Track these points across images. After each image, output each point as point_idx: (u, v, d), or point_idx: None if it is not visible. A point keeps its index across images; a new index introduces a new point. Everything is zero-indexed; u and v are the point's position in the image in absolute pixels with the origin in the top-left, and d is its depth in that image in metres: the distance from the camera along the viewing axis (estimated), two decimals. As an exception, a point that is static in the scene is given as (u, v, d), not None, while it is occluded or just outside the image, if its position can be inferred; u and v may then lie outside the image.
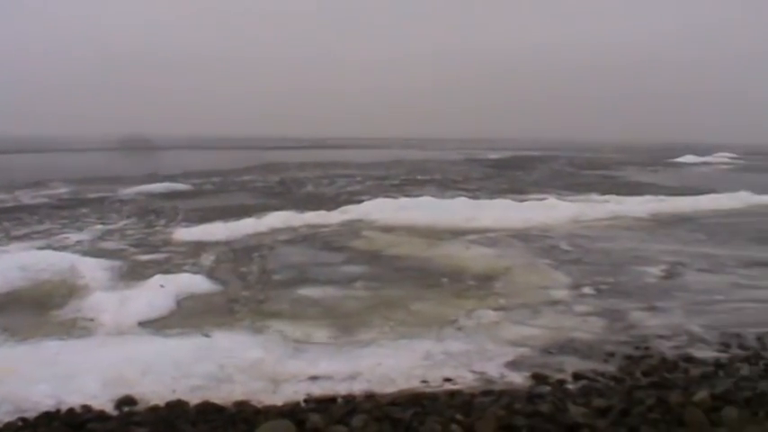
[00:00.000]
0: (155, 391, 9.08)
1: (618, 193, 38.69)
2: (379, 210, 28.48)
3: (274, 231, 24.12)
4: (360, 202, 31.27)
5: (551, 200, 32.70)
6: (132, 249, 20.51)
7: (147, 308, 13.29)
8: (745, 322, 13.03)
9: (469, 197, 34.35)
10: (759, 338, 11.97)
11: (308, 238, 23.21)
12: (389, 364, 10.23)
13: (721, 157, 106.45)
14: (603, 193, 39.88)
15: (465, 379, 9.82)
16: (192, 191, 40.32)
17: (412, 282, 16.29)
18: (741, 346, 11.56)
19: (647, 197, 36.23)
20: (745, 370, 10.32)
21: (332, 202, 32.60)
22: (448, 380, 9.74)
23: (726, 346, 11.57)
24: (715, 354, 11.17)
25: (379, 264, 18.61)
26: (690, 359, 10.80)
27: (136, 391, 9.02)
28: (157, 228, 25.04)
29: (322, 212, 27.95)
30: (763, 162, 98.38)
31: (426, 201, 31.46)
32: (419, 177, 54.51)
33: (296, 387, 9.41)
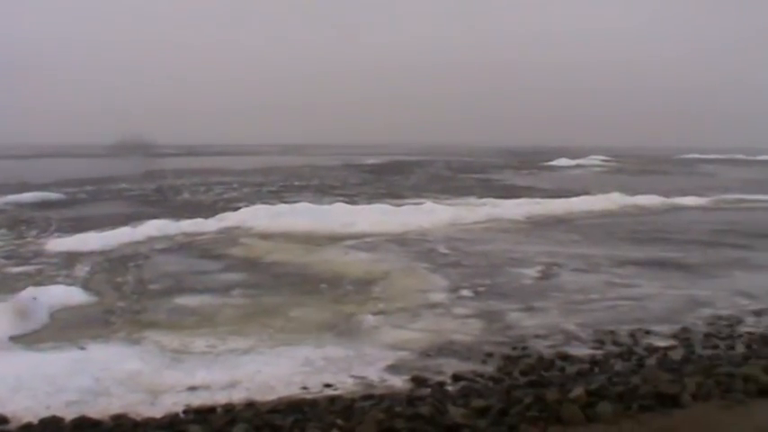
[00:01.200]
0: (28, 408, 8.66)
1: (494, 197, 39.93)
2: (257, 217, 28.44)
3: (150, 240, 23.70)
4: (237, 209, 31.04)
5: (429, 204, 33.34)
6: (2, 261, 19.68)
7: (18, 321, 12.72)
8: (619, 319, 13.72)
9: (347, 202, 34.66)
10: (632, 335, 12.60)
11: (185, 246, 22.98)
12: (269, 371, 10.23)
13: (594, 159, 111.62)
14: (480, 196, 41.07)
15: (345, 384, 9.89)
16: (65, 200, 39.01)
17: (291, 288, 16.31)
18: (615, 343, 12.13)
19: (523, 200, 37.54)
20: (618, 366, 10.85)
21: (209, 210, 32.25)
22: (328, 385, 9.78)
23: (600, 343, 12.11)
24: (590, 351, 11.67)
25: (257, 271, 18.60)
26: (566, 357, 11.24)
27: (7, 409, 8.56)
28: (29, 239, 24.12)
29: (199, 220, 27.68)
30: (635, 164, 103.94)
31: (304, 207, 31.46)
32: (296, 183, 54.50)
33: (175, 398, 9.26)
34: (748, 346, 11.87)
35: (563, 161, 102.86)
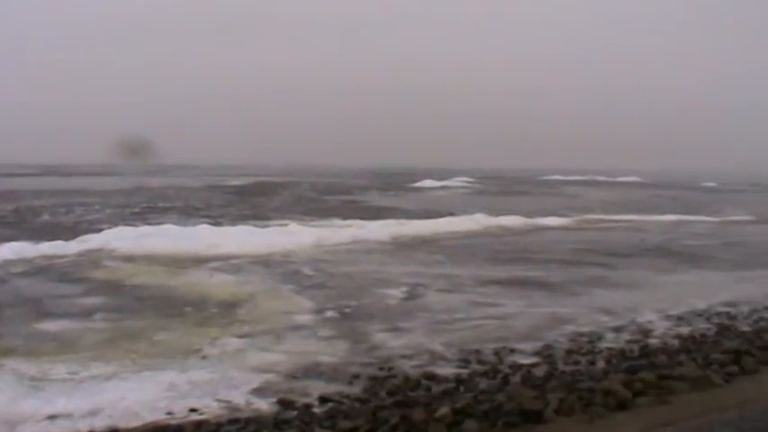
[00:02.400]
0: None
1: (360, 218, 40.29)
2: (120, 239, 27.66)
3: (6, 264, 22.58)
4: (99, 231, 30.01)
5: (293, 225, 33.46)
6: None
7: None
8: (484, 338, 14.17)
9: (212, 224, 34.30)
10: (496, 353, 13.03)
11: (44, 269, 22.12)
12: (133, 397, 10.11)
13: (459, 181, 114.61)
14: (345, 217, 41.35)
15: (211, 408, 9.84)
16: None
17: (154, 312, 16.04)
18: (480, 362, 12.51)
19: (388, 221, 38.12)
20: (483, 384, 11.20)
21: (70, 232, 31.02)
22: (193, 410, 9.71)
23: (466, 362, 12.46)
24: (456, 370, 11.99)
25: (120, 294, 18.25)
26: (432, 377, 11.49)
27: None
28: None
29: (59, 243, 26.57)
30: (498, 186, 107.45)
31: (168, 228, 30.82)
32: (161, 205, 53.10)
33: (33, 428, 9.03)
34: (608, 362, 12.52)
35: (428, 182, 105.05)
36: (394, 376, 11.48)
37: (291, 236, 29.90)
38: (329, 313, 16.27)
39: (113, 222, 35.59)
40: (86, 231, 30.58)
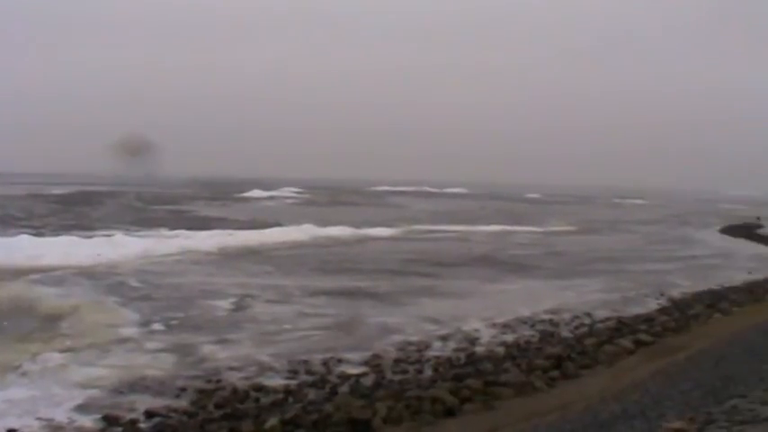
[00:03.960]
0: None
1: (187, 228, 39.53)
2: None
3: None
4: None
5: (119, 236, 32.51)
6: None
7: None
8: (312, 348, 14.38)
9: (33, 234, 32.61)
10: (325, 363, 13.27)
11: None
12: None
13: (287, 191, 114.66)
14: (173, 228, 40.44)
15: (31, 428, 9.51)
16: None
17: (-33, 328, 15.09)
18: (308, 372, 12.71)
19: (216, 231, 37.71)
20: (312, 394, 11.41)
21: None
22: (12, 430, 9.34)
23: (294, 373, 12.63)
24: (284, 381, 12.14)
25: None
26: (260, 388, 11.58)
27: None
28: None
29: None
30: (326, 196, 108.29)
31: (-14, 239, 28.97)
32: (-23, 215, 49.58)
33: None
34: (435, 370, 13.07)
35: (256, 192, 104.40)
36: (222, 388, 11.48)
37: (117, 247, 29.05)
38: (156, 326, 15.99)
39: None
40: None
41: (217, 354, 13.75)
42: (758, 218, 66.17)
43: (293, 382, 12.06)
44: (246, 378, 12.19)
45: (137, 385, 11.55)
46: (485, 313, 18.42)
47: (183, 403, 10.68)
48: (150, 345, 14.27)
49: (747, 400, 4.50)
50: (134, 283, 21.63)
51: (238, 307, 18.60)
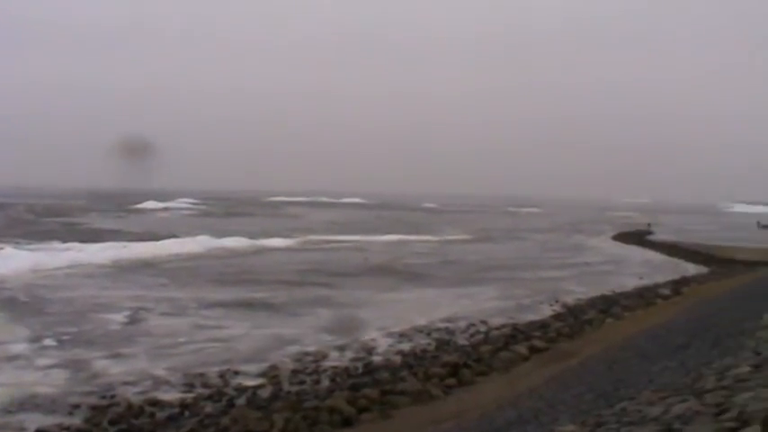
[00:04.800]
0: None
1: (79, 241, 38.31)
2: None
3: None
4: None
5: (8, 249, 31.16)
6: None
7: None
8: (208, 361, 14.21)
9: None
10: (221, 376, 13.15)
11: None
12: None
13: (182, 202, 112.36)
14: (65, 240, 39.10)
15: None
16: None
17: None
18: (205, 385, 12.57)
19: (110, 243, 36.68)
20: (209, 407, 11.30)
21: None
22: None
23: (190, 387, 12.46)
24: (180, 395, 11.97)
25: None
26: (156, 403, 11.38)
27: None
28: None
29: None
30: (222, 207, 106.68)
31: None
32: None
33: None
34: (333, 380, 13.14)
35: (151, 204, 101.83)
36: (116, 404, 11.22)
37: (6, 260, 27.88)
38: (47, 341, 15.46)
39: None
40: None
41: (110, 369, 13.42)
42: (648, 224, 68.96)
43: (189, 396, 11.91)
44: (141, 393, 11.96)
45: (27, 403, 11.16)
46: (381, 322, 18.60)
47: (75, 421, 10.40)
48: (41, 361, 13.80)
49: (636, 401, 4.73)
50: (24, 298, 20.90)
51: (132, 320, 18.19)
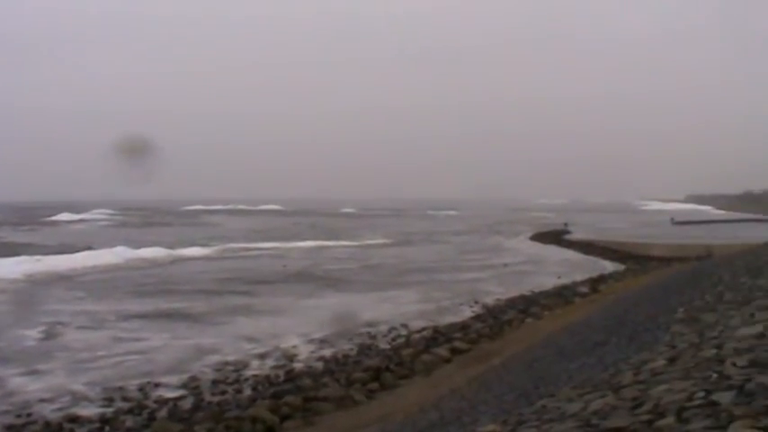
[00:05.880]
0: None
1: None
2: None
3: None
4: None
5: None
6: None
7: None
8: (128, 374, 13.87)
9: None
10: (141, 388, 12.86)
11: None
12: None
13: (99, 213, 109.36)
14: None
15: None
16: None
17: None
18: (125, 399, 12.27)
19: (23, 257, 35.32)
20: (129, 421, 11.04)
21: None
22: None
23: (110, 401, 12.15)
24: (100, 410, 11.66)
25: None
26: (75, 419, 11.07)
27: None
28: None
29: None
30: (140, 217, 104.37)
31: None
32: None
33: None
34: (255, 389, 13.00)
35: (66, 216, 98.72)
36: (33, 422, 10.85)
37: None
38: (-43, 360, 14.76)
39: None
40: None
41: (27, 386, 12.96)
42: (565, 224, 70.00)
43: (109, 410, 11.61)
44: (59, 409, 11.60)
45: (-63, 425, 10.65)
46: (302, 329, 18.50)
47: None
48: (-48, 381, 13.17)
49: (556, 399, 4.80)
50: (-68, 316, 19.91)
51: (49, 335, 17.60)
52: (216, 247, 45.32)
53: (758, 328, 4.42)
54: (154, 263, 36.36)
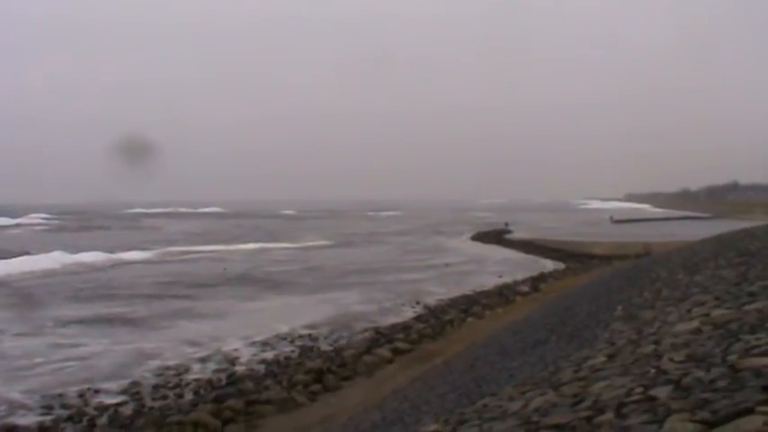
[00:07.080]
0: None
1: None
2: None
3: None
4: None
5: None
6: None
7: None
8: (67, 381, 13.50)
9: None
10: (81, 395, 12.52)
11: None
12: None
13: (35, 218, 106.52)
14: None
15: None
16: None
17: None
18: (64, 406, 11.93)
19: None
20: (69, 429, 10.76)
21: None
22: None
23: (49, 409, 11.80)
24: (38, 418, 11.32)
25: None
26: (12, 429, 10.74)
27: None
28: None
29: None
30: (78, 221, 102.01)
31: None
32: None
33: None
34: (196, 393, 12.77)
35: (1, 220, 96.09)
36: (-35, 434, 10.44)
37: None
38: None
39: None
40: None
41: (-40, 396, 12.46)
42: (506, 224, 70.56)
43: (48, 419, 11.27)
44: (-4, 419, 11.19)
45: None
46: (244, 332, 18.28)
47: None
48: None
49: (497, 397, 4.78)
50: None
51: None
52: (156, 251, 44.56)
53: (695, 324, 4.46)
54: (93, 267, 35.50)
